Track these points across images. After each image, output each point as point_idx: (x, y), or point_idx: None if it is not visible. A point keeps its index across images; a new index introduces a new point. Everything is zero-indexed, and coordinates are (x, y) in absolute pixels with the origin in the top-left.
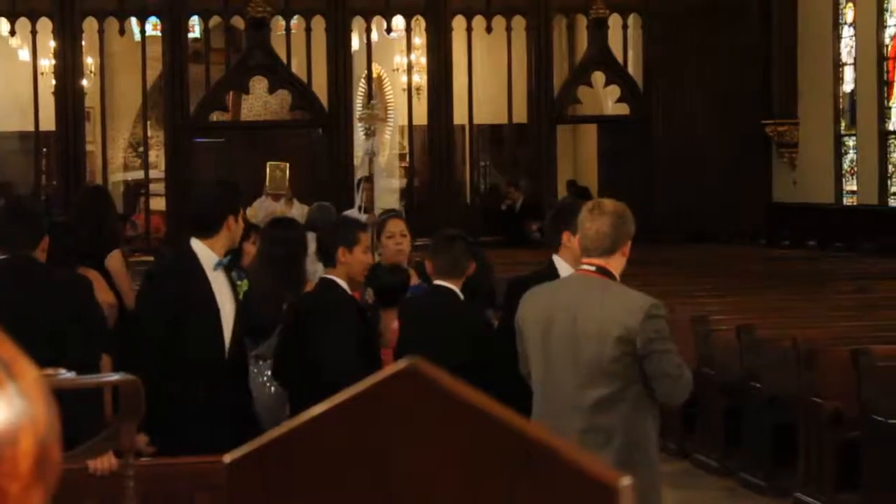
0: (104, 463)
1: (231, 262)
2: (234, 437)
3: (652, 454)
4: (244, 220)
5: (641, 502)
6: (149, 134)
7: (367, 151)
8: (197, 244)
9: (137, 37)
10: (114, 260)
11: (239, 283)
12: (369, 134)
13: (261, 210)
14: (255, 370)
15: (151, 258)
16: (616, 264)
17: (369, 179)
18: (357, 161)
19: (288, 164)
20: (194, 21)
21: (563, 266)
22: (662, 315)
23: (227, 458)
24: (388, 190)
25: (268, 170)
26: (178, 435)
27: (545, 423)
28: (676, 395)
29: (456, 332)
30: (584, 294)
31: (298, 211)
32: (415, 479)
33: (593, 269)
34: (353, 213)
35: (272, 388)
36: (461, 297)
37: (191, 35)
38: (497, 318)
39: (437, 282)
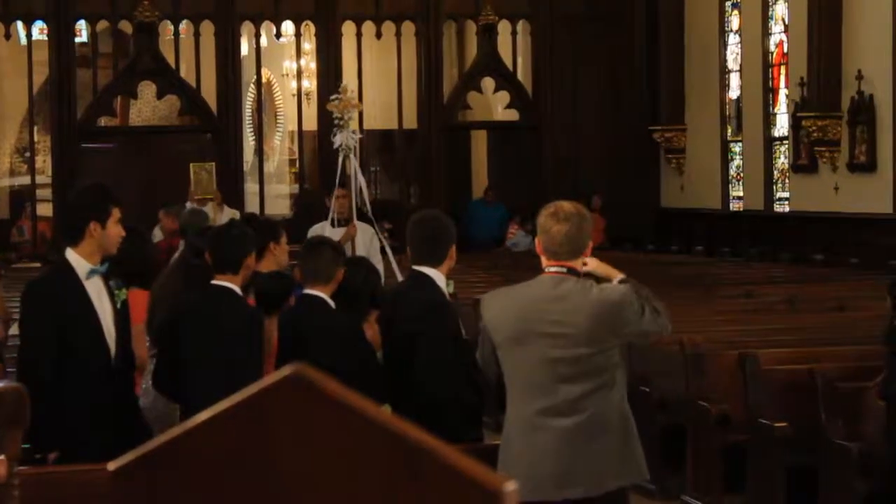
0: (2, 469)
1: (109, 270)
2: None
3: (635, 435)
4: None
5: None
6: (35, 139)
7: (341, 148)
8: (70, 253)
9: (23, 41)
10: None
11: (117, 291)
12: (342, 125)
13: None
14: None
15: (38, 265)
16: (580, 264)
17: (344, 185)
18: (247, 166)
19: (214, 164)
20: (81, 25)
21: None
22: (634, 298)
23: (111, 465)
24: (279, 195)
25: (192, 172)
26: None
27: (523, 423)
28: (664, 324)
29: (323, 339)
30: (560, 293)
31: (229, 216)
32: (300, 483)
33: (564, 270)
34: (320, 228)
35: None
36: (330, 303)
37: (78, 39)
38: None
39: (306, 290)
